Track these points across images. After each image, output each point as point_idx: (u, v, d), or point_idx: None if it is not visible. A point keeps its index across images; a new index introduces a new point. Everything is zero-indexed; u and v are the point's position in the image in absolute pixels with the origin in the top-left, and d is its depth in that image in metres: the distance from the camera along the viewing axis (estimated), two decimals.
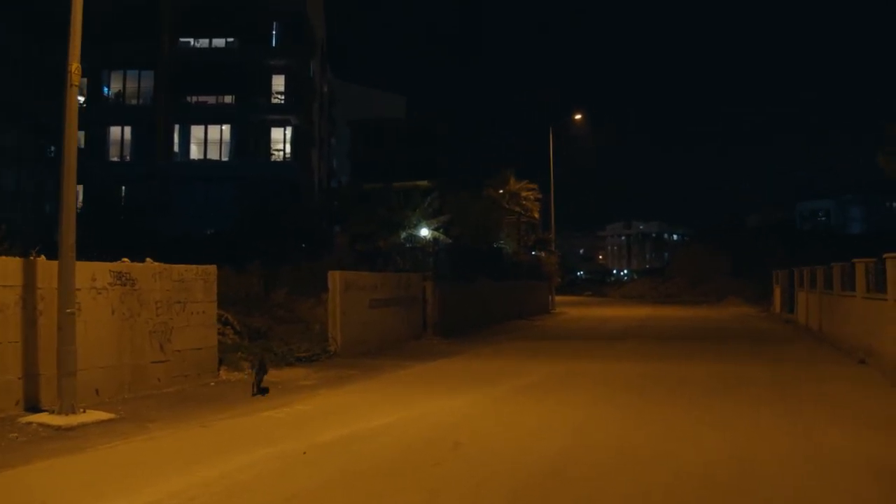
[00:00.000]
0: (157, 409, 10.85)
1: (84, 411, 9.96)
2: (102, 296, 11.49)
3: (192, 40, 47.72)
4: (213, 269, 13.91)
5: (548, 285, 43.21)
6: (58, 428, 9.29)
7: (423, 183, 27.53)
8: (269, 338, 17.50)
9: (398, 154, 62.43)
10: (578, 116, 49.47)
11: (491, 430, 9.44)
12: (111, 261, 12.09)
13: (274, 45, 48.48)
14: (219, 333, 16.63)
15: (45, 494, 6.69)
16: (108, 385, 11.52)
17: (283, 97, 48.24)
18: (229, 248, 25.29)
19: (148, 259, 12.73)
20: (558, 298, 47.19)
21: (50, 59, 47.47)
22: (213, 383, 13.32)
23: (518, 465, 7.59)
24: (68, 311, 9.90)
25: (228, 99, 47.78)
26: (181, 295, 13.08)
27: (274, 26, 48.58)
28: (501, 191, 43.91)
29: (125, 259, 12.33)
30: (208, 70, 45.64)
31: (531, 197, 46.39)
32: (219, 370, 14.07)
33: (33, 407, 10.12)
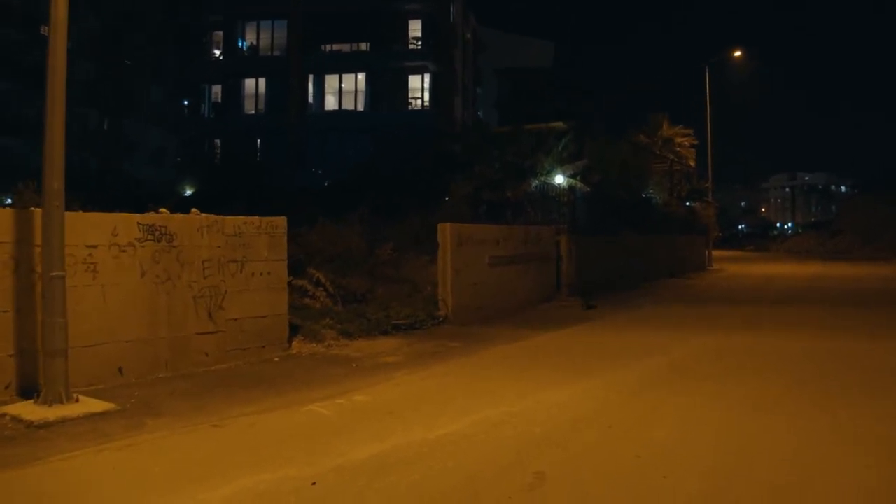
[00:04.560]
0: (183, 395, 8.62)
1: (77, 400, 7.84)
2: (127, 254, 9.32)
3: None
4: (281, 220, 11.56)
5: (704, 239, 39.10)
6: (29, 424, 7.17)
7: (559, 124, 24.32)
8: (367, 301, 15.16)
9: (546, 103, 58.94)
10: (738, 53, 44.64)
11: (599, 449, 6.58)
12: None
13: None
14: (308, 296, 14.57)
15: None
16: (137, 362, 9.41)
17: (419, 43, 45.86)
18: (341, 199, 23.14)
19: (193, 210, 10.50)
20: (716, 253, 43.01)
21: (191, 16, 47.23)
22: (276, 358, 11.03)
23: None
24: (53, 274, 7.73)
25: (364, 47, 45.85)
26: (238, 252, 10.80)
27: None
28: (652, 137, 40.05)
29: (163, 209, 10.14)
30: (342, 17, 43.88)
31: (686, 143, 42.25)
32: (291, 341, 11.78)
33: (30, 390, 8.05)
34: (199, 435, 7.04)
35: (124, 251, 9.28)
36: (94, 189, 23.92)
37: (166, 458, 6.39)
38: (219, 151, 45.87)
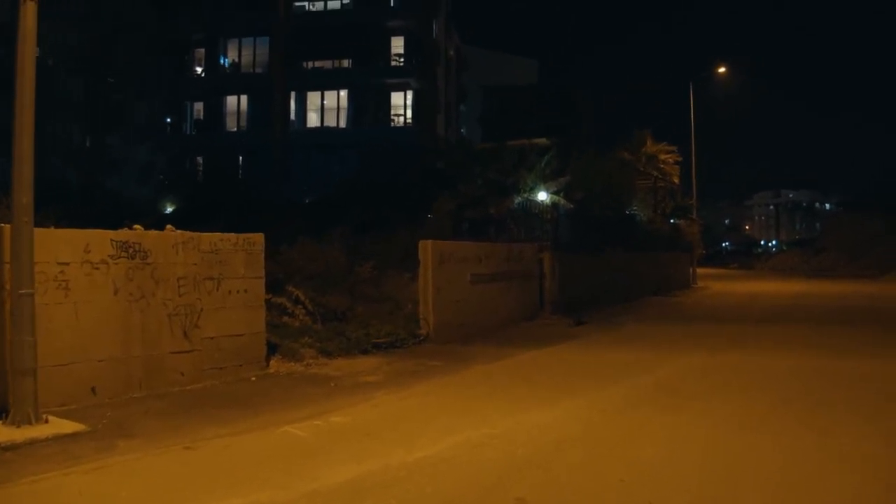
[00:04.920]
0: (157, 415, 8.40)
1: (46, 420, 7.61)
2: (100, 271, 9.10)
3: (306, 3, 45.93)
4: (258, 237, 11.36)
5: (689, 257, 39.09)
6: None
7: (542, 140, 24.24)
8: (347, 320, 14.96)
9: (530, 120, 58.99)
10: (722, 70, 44.82)
11: (583, 471, 6.40)
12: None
13: (392, 4, 46.00)
14: (287, 314, 14.35)
15: None
16: (111, 382, 9.17)
17: (402, 60, 45.87)
18: (325, 215, 22.97)
19: (168, 227, 10.31)
20: (701, 271, 42.99)
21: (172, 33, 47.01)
22: (254, 377, 10.80)
23: None
24: (22, 291, 7.51)
25: (346, 63, 45.78)
26: (214, 270, 10.59)
27: None
28: (636, 154, 40.05)
29: (137, 226, 9.93)
30: (324, 34, 43.79)
31: (670, 160, 42.24)
32: (269, 360, 11.57)
33: (2, 410, 7.79)
34: (170, 457, 6.82)
35: (97, 268, 9.06)
36: (76, 205, 23.66)
37: (136, 482, 6.18)
38: (201, 168, 45.57)
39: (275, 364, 11.62)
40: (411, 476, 6.15)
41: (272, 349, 12.02)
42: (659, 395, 9.77)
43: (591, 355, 13.77)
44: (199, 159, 46.11)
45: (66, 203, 22.68)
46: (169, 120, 48.68)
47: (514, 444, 7.14)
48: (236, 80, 45.96)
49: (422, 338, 15.03)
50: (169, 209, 34.18)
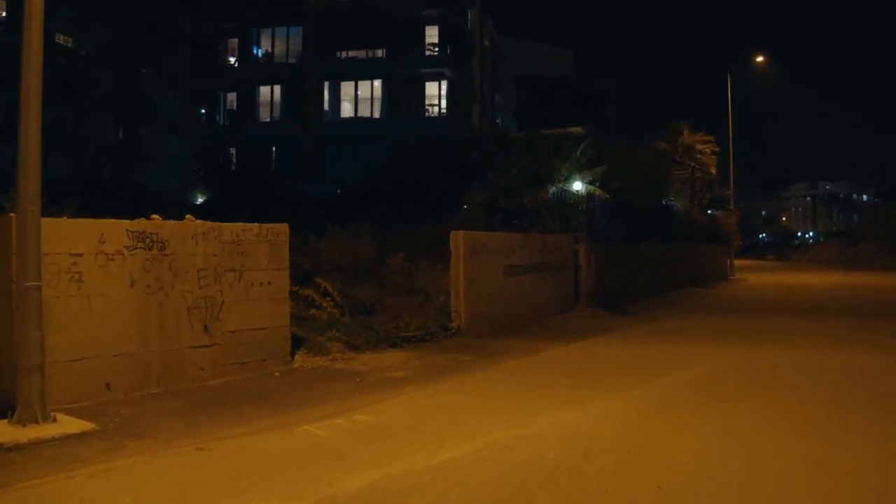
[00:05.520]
0: (172, 413, 8.05)
1: (54, 419, 7.29)
2: (116, 263, 8.76)
3: None
4: (282, 227, 10.97)
5: (726, 248, 38.26)
6: None
7: (577, 129, 23.55)
8: (376, 312, 14.56)
9: (565, 110, 58.21)
10: (760, 59, 43.76)
11: (615, 478, 5.91)
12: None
13: None
14: (315, 306, 14.00)
15: None
16: (126, 377, 8.84)
17: (436, 49, 45.32)
18: (354, 207, 22.60)
19: (188, 216, 9.95)
20: (738, 263, 42.12)
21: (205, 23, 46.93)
22: (277, 373, 10.44)
23: None
24: (28, 283, 7.18)
25: (380, 53, 45.31)
26: (236, 261, 10.22)
27: None
28: (672, 144, 39.28)
29: (155, 216, 9.58)
30: (357, 23, 43.24)
31: (707, 150, 41.42)
32: (294, 354, 11.20)
33: (9, 408, 7.47)
34: (181, 459, 6.45)
35: (112, 259, 8.73)
36: (102, 196, 23.55)
37: (142, 486, 5.82)
38: (234, 160, 45.41)
39: (300, 358, 11.25)
40: (434, 481, 5.72)
41: (298, 343, 11.67)
42: (697, 393, 9.26)
43: (627, 349, 13.25)
44: (232, 151, 45.91)
45: (92, 194, 22.63)
46: (203, 111, 48.61)
47: (544, 447, 6.68)
48: (269, 71, 45.69)
49: (453, 331, 14.60)
50: (200, 200, 34.03)
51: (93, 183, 30.11)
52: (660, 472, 5.97)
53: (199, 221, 9.87)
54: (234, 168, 43.86)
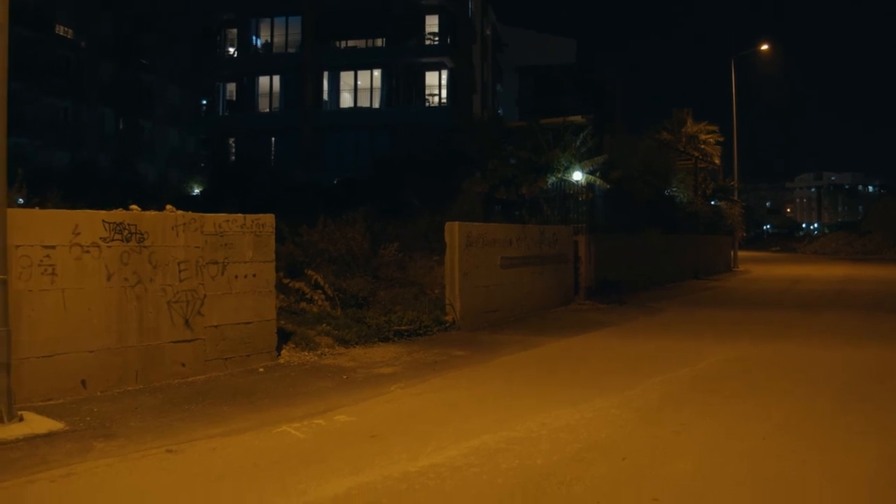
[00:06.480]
0: (148, 411, 7.71)
1: (21, 418, 6.97)
2: (91, 255, 8.42)
3: None
4: (268, 218, 10.61)
5: (730, 239, 37.84)
6: None
7: (578, 118, 23.15)
8: (369, 305, 14.22)
9: (567, 99, 57.74)
10: (765, 47, 43.22)
11: (608, 488, 5.53)
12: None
13: None
14: (305, 299, 13.69)
15: None
16: (103, 374, 8.52)
17: (436, 38, 44.83)
18: (349, 196, 22.26)
19: (168, 206, 9.60)
20: (742, 254, 41.73)
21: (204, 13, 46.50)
22: (262, 369, 10.10)
23: None
24: None
25: (379, 42, 44.85)
26: (219, 253, 9.88)
27: None
28: (675, 133, 38.88)
29: (134, 206, 9.23)
30: (357, 13, 42.83)
31: (711, 140, 41.03)
32: (281, 349, 10.86)
33: None
34: (149, 462, 6.11)
35: (87, 252, 8.39)
36: (102, 188, 23.30)
37: (105, 492, 5.49)
38: (233, 150, 45.03)
39: (286, 354, 10.92)
40: (412, 490, 5.37)
41: (286, 337, 11.35)
42: (697, 392, 8.90)
43: (627, 344, 12.88)
44: (232, 141, 45.51)
45: (88, 185, 22.33)
46: (203, 102, 48.21)
47: (534, 452, 6.31)
48: (269, 61, 45.25)
49: (447, 325, 14.27)
50: (196, 191, 33.71)
51: (91, 174, 29.83)
52: (656, 482, 5.60)
53: (179, 212, 9.52)
54: (233, 158, 43.52)
